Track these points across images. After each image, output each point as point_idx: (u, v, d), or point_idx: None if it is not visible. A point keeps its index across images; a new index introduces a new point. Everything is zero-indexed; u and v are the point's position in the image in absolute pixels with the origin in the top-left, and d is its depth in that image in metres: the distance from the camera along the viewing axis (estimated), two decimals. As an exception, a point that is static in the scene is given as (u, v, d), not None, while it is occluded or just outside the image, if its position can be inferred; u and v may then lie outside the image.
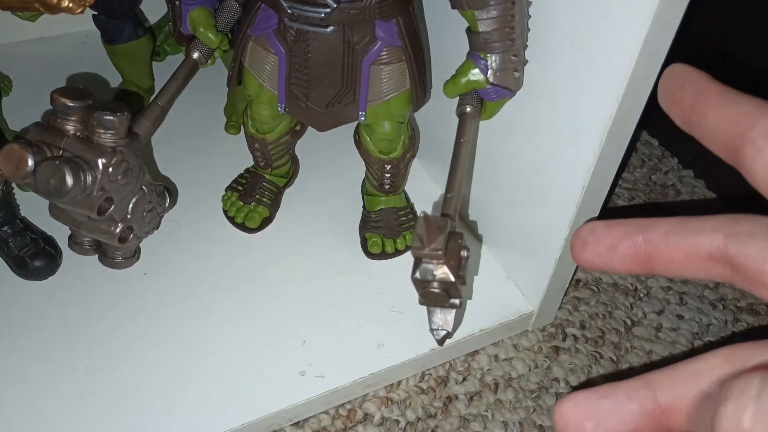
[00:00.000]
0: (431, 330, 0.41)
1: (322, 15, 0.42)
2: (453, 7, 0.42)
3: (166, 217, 0.50)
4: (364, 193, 0.59)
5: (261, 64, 0.47)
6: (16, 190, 0.55)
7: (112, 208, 0.42)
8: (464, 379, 0.53)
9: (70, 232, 0.48)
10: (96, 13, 0.61)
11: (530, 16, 0.44)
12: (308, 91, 0.46)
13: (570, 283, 0.56)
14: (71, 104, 0.40)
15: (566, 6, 0.41)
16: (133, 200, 0.44)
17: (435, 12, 0.55)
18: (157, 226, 0.48)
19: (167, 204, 0.48)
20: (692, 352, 0.57)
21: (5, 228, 0.52)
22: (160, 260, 0.55)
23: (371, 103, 0.47)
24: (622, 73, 0.39)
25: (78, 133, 0.41)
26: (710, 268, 0.16)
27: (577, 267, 0.54)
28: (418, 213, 0.60)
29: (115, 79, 0.69)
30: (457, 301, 0.38)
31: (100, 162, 0.40)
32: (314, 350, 0.50)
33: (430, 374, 0.53)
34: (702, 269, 0.16)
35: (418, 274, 0.36)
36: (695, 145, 0.17)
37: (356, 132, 0.54)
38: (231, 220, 0.59)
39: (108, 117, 0.40)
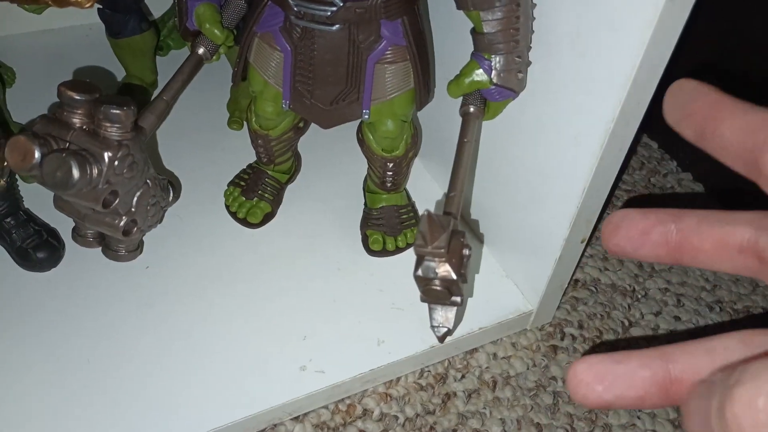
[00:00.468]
0: (432, 327, 0.42)
1: (328, 13, 0.42)
2: (458, 8, 0.43)
3: (170, 211, 0.50)
4: (366, 190, 0.60)
5: (266, 61, 0.48)
6: (20, 182, 0.56)
7: (116, 201, 0.42)
8: (463, 376, 0.53)
9: (73, 224, 0.48)
10: (101, 6, 0.61)
11: (534, 18, 0.44)
12: (313, 88, 0.47)
13: (569, 284, 0.56)
14: (78, 97, 0.40)
15: (570, 9, 0.42)
16: (138, 194, 0.44)
17: (440, 12, 0.55)
18: (161, 220, 0.48)
19: (171, 198, 0.49)
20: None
21: (9, 219, 0.52)
22: (163, 254, 0.55)
23: (375, 102, 0.48)
24: (625, 76, 0.39)
25: (84, 126, 0.41)
26: (739, 260, 0.16)
27: (576, 267, 0.55)
28: (419, 211, 0.60)
29: (119, 73, 0.69)
30: (458, 299, 0.39)
31: (106, 155, 0.40)
32: (315, 346, 0.51)
33: (429, 371, 0.53)
34: (730, 261, 0.16)
35: (420, 272, 0.37)
36: (694, 149, 0.17)
37: (359, 130, 0.54)
38: (233, 215, 0.59)
39: (114, 111, 0.40)
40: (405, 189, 0.60)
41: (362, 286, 0.55)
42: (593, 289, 0.61)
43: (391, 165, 0.54)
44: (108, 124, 0.40)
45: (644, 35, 0.37)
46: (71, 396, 0.46)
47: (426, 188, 0.63)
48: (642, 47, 0.37)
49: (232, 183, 0.61)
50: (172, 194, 0.49)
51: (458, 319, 0.52)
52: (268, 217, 0.59)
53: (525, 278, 0.55)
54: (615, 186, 0.70)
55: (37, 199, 0.55)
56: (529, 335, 0.56)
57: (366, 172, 0.59)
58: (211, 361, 0.49)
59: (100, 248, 0.50)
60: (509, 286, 0.57)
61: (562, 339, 0.57)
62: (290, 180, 0.62)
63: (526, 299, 0.55)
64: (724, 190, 0.71)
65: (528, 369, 0.54)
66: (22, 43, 0.74)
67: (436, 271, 0.37)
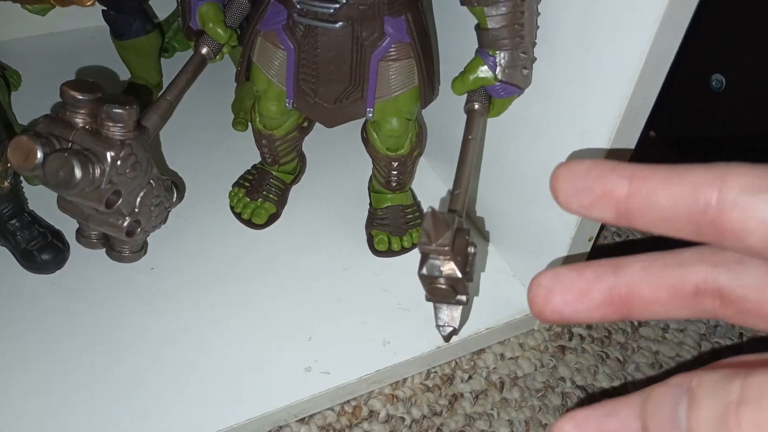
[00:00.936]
0: (437, 326, 0.41)
1: (332, 10, 0.42)
2: (462, 4, 0.42)
3: (173, 212, 0.50)
4: (371, 190, 0.59)
5: (270, 60, 0.47)
6: (25, 184, 0.56)
7: (120, 202, 0.42)
8: (470, 377, 0.53)
9: (77, 225, 0.48)
10: (105, 8, 0.61)
11: (539, 14, 0.43)
12: (316, 86, 0.46)
13: (576, 283, 0.56)
14: (80, 97, 0.40)
15: (575, 3, 0.41)
16: (141, 194, 0.44)
17: (444, 8, 0.55)
18: (165, 221, 0.48)
19: (175, 199, 0.48)
20: (699, 354, 0.56)
21: (13, 221, 0.52)
22: (167, 255, 0.55)
23: (379, 100, 0.47)
24: (631, 72, 0.39)
25: (87, 126, 0.41)
26: (696, 304, 0.15)
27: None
28: (425, 210, 0.60)
29: (124, 74, 0.69)
30: (463, 298, 0.38)
31: (109, 155, 0.40)
32: (320, 346, 0.50)
33: (435, 372, 0.52)
34: (687, 307, 0.15)
35: (425, 270, 0.36)
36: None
37: (363, 129, 0.54)
38: (238, 216, 0.59)
39: (117, 110, 0.40)
40: (410, 188, 0.59)
41: (367, 286, 0.55)
42: (601, 288, 0.60)
43: (395, 164, 0.53)
44: (111, 124, 0.40)
45: (650, 30, 0.36)
46: (75, 396, 0.46)
47: (431, 187, 0.63)
48: (648, 42, 0.37)
49: (236, 184, 0.60)
50: (175, 195, 0.48)
51: (464, 318, 0.51)
52: (272, 218, 0.59)
53: (532, 277, 0.55)
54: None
55: (41, 200, 0.55)
56: (536, 335, 0.56)
57: (371, 172, 0.58)
58: (215, 362, 0.49)
59: (104, 249, 0.49)
60: (516, 286, 0.56)
61: (570, 339, 0.56)
62: (295, 180, 0.61)
63: (534, 299, 0.55)
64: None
65: (536, 369, 0.54)
66: (27, 45, 0.74)
67: (441, 269, 0.36)
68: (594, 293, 0.15)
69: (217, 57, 0.49)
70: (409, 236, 0.57)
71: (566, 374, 0.54)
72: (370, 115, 0.48)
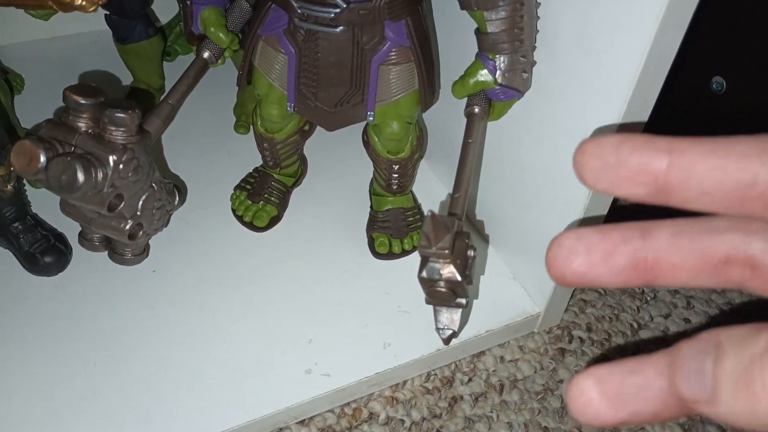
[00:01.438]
0: (437, 329, 0.42)
1: (332, 15, 0.42)
2: (462, 8, 0.42)
3: (175, 215, 0.50)
4: (372, 193, 0.59)
5: (271, 64, 0.48)
6: (28, 187, 0.56)
7: (122, 205, 0.42)
8: (470, 379, 0.53)
9: (80, 228, 0.49)
10: (108, 12, 0.62)
11: (539, 18, 0.44)
12: (317, 90, 0.47)
13: (577, 285, 0.56)
14: (83, 101, 0.40)
15: (575, 7, 0.41)
16: (143, 197, 0.44)
17: (444, 13, 0.55)
18: (166, 224, 0.48)
19: (176, 202, 0.49)
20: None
21: (16, 224, 0.53)
22: (169, 258, 0.55)
23: (380, 103, 0.47)
24: (630, 75, 0.39)
25: (89, 130, 0.41)
26: (724, 273, 0.14)
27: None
28: (425, 213, 0.60)
29: (126, 78, 0.69)
30: (463, 301, 0.39)
31: (111, 159, 0.40)
32: (320, 349, 0.50)
33: (435, 374, 0.53)
34: (714, 275, 0.14)
35: (424, 273, 0.37)
36: None
37: (364, 132, 0.54)
38: (239, 218, 0.59)
39: (119, 114, 0.40)
40: (411, 191, 0.60)
41: (368, 289, 0.55)
42: (601, 291, 0.61)
43: (396, 167, 0.54)
44: (113, 128, 0.41)
45: (650, 32, 0.37)
46: (78, 399, 0.46)
47: (432, 190, 0.63)
48: (647, 45, 0.37)
49: (238, 187, 0.61)
50: (177, 198, 0.49)
51: (464, 321, 0.52)
52: (274, 221, 0.59)
53: (532, 280, 0.55)
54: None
55: (44, 203, 0.55)
56: (536, 338, 0.56)
57: (372, 175, 0.59)
58: (216, 364, 0.49)
59: (107, 252, 0.50)
60: (516, 288, 0.56)
61: (570, 342, 0.56)
62: (296, 183, 0.62)
63: (534, 301, 0.55)
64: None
65: (535, 372, 0.54)
66: (30, 50, 0.75)
67: (441, 272, 0.36)
68: (619, 256, 0.15)
69: (219, 61, 0.50)
70: (409, 239, 0.57)
71: (566, 377, 0.54)
72: (371, 118, 0.48)
